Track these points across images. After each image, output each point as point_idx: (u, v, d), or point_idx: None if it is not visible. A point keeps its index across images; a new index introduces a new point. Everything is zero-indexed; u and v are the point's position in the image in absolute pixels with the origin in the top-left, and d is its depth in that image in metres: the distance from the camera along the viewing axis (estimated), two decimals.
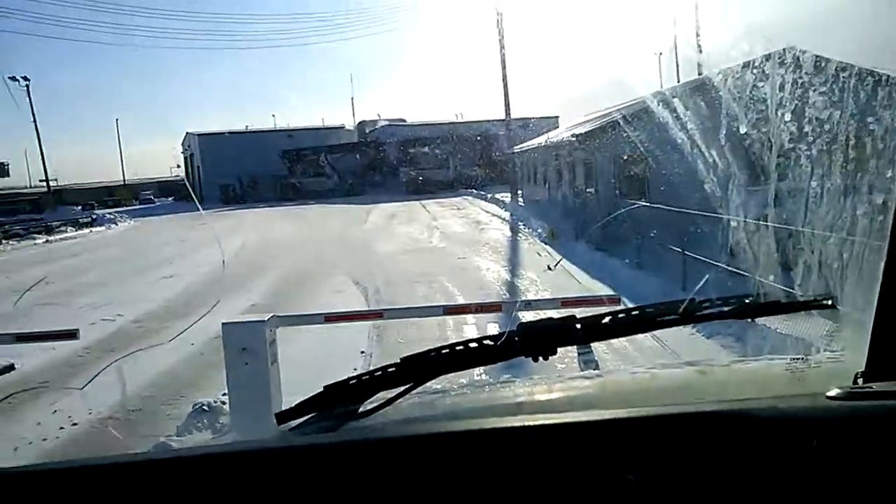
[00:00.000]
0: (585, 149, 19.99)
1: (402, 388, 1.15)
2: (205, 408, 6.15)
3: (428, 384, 1.19)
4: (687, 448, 0.87)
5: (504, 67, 35.27)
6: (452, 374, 1.21)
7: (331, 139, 59.69)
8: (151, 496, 0.88)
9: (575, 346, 1.30)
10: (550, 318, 1.18)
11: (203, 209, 46.62)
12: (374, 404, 1.16)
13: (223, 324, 6.09)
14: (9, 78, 40.08)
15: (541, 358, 1.14)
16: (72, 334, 7.33)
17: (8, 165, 35.80)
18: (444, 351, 1.15)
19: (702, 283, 1.30)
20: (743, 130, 1.44)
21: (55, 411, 6.96)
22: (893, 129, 1.12)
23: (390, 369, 1.16)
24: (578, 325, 1.15)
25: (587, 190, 19.80)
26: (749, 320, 7.64)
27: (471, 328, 8.98)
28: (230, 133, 61.06)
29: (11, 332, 7.92)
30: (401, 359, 1.16)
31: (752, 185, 1.46)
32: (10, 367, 8.64)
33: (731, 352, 6.58)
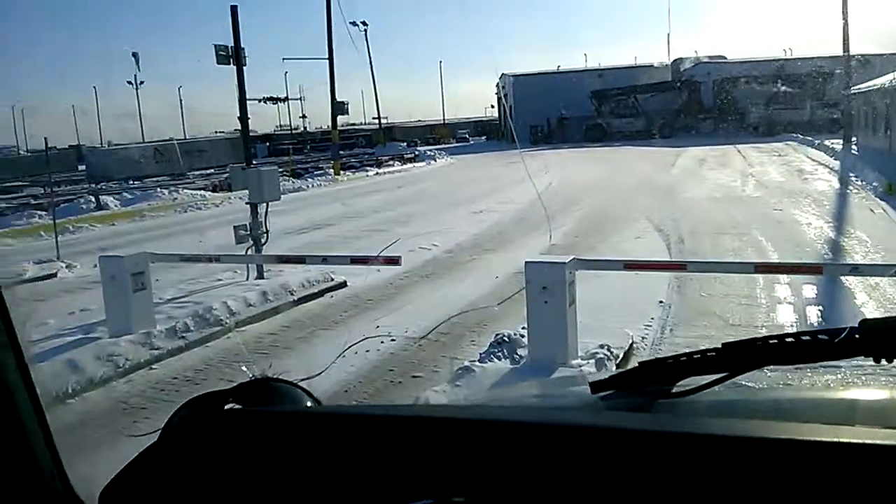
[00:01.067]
0: None
1: (718, 376, 1.09)
2: (505, 339, 6.51)
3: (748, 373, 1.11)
4: None
5: None
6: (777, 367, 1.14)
7: (642, 78, 57.67)
8: (480, 452, 0.91)
9: None
10: None
11: (513, 148, 48.41)
12: (688, 388, 1.12)
13: (526, 262, 6.38)
14: (350, 23, 44.70)
15: (884, 360, 1.00)
16: (395, 261, 8.23)
17: (347, 104, 40.06)
18: (770, 341, 1.06)
19: None
20: None
21: (378, 326, 7.88)
22: None
23: (710, 353, 1.09)
24: None
25: None
26: None
27: (784, 290, 8.30)
28: (541, 74, 61.93)
29: (347, 255, 9.11)
30: (722, 344, 1.09)
31: None
32: (343, 284, 9.96)
33: None
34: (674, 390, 1.13)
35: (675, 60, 61.60)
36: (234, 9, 11.97)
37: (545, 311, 6.06)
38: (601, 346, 6.37)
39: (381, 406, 1.33)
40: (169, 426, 1.07)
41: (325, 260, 8.83)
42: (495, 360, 6.25)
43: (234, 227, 10.45)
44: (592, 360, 6.06)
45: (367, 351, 6.85)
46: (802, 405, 1.21)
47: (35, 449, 0.92)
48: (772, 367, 1.13)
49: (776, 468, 0.79)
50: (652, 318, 7.65)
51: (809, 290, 8.08)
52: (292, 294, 9.30)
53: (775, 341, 1.06)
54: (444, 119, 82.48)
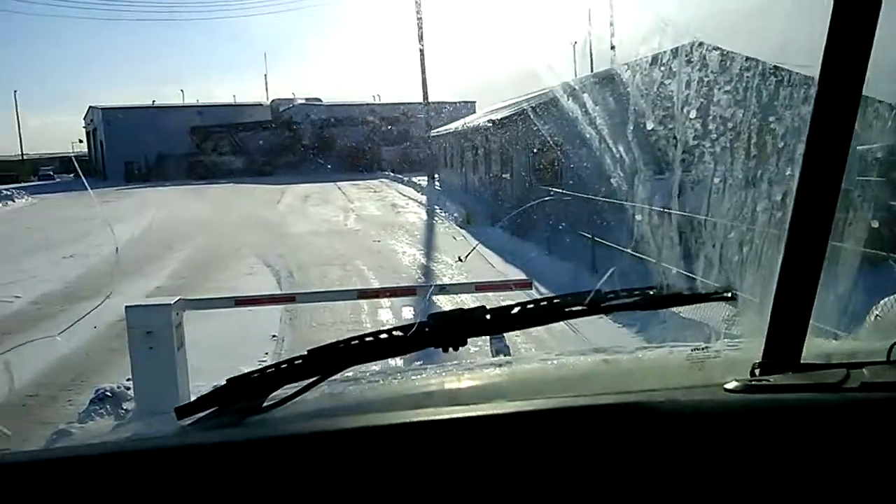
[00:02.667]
0: (501, 135, 20.22)
1: (308, 381, 1.12)
2: (108, 393, 5.92)
3: (337, 375, 1.17)
4: (587, 441, 0.89)
5: (422, 50, 35.21)
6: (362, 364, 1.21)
7: (243, 117, 58.12)
8: (41, 498, 0.84)
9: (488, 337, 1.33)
10: (461, 309, 1.18)
11: (106, 187, 44.67)
12: (280, 398, 1.13)
13: (127, 307, 5.88)
14: None
15: (451, 349, 1.14)
16: None
17: None
18: (353, 342, 1.14)
19: (608, 274, 1.34)
20: (650, 126, 1.48)
21: None
22: (793, 128, 1.18)
23: (297, 361, 1.13)
24: (488, 316, 1.16)
25: (503, 176, 20.04)
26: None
27: (385, 312, 8.97)
28: (136, 107, 58.56)
29: None
30: (308, 351, 1.14)
31: (657, 176, 1.50)
32: None
33: (641, 338, 6.80)
34: (265, 404, 1.13)
35: (273, 101, 63.31)
36: None
37: (151, 357, 5.64)
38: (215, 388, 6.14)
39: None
40: None
41: None
42: (97, 417, 5.64)
43: None
44: None
45: None
46: (392, 394, 1.32)
47: None
48: (360, 364, 1.19)
49: (361, 455, 0.87)
50: (266, 353, 7.64)
51: (408, 309, 8.87)
52: None
53: (357, 341, 1.14)
54: (22, 155, 72.77)
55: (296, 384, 1.13)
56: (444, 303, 9.21)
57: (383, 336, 1.15)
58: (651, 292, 1.28)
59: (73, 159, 60.91)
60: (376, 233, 18.02)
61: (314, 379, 1.13)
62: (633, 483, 0.86)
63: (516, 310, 1.18)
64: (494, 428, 0.89)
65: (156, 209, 23.76)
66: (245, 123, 56.72)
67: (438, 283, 10.99)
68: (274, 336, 8.26)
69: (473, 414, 0.93)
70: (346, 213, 24.09)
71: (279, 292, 10.14)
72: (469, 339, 1.14)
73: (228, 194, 34.98)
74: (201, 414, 1.12)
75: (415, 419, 0.92)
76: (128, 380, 5.93)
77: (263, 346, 7.89)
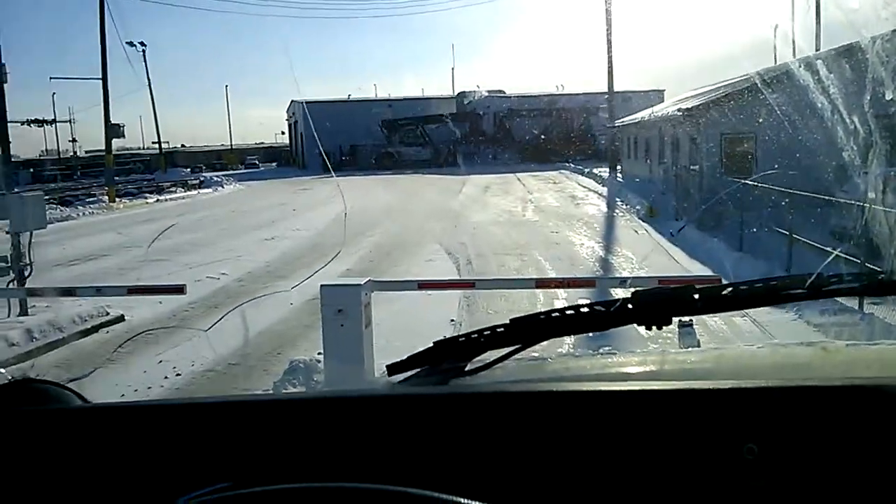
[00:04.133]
0: (691, 124, 19.35)
1: (509, 349, 1.15)
2: (300, 365, 6.36)
3: (533, 350, 1.18)
4: (813, 421, 0.84)
5: (609, 38, 34.24)
6: (556, 340, 1.20)
7: (430, 109, 59.88)
8: (258, 435, 0.91)
9: (676, 324, 1.28)
10: (668, 286, 1.15)
11: (304, 175, 47.93)
12: (482, 363, 1.16)
13: (322, 285, 6.27)
14: (126, 43, 42.05)
15: (654, 328, 1.11)
16: (179, 289, 7.75)
17: (123, 127, 37.53)
18: (553, 314, 1.14)
19: (827, 261, 1.24)
20: (867, 109, 1.36)
21: (160, 361, 7.37)
22: None
23: (499, 329, 1.15)
24: (696, 295, 1.11)
25: (690, 168, 19.18)
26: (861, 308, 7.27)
27: (562, 304, 8.91)
28: (332, 102, 62.22)
29: (123, 286, 8.45)
30: (510, 320, 1.15)
31: (865, 169, 1.37)
32: (121, 318, 9.23)
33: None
34: (468, 367, 1.17)
35: (459, 93, 64.71)
36: None
37: (341, 333, 5.99)
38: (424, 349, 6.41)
39: (153, 400, 1.26)
40: None
41: (98, 291, 8.11)
42: (290, 387, 6.08)
43: None
44: None
45: (149, 388, 6.39)
46: (584, 372, 1.32)
47: None
48: (561, 336, 1.19)
49: (560, 417, 0.88)
50: (443, 336, 7.85)
51: (585, 302, 8.74)
52: (62, 331, 8.44)
53: (558, 314, 1.14)
54: (231, 145, 79.89)
55: (497, 351, 1.15)
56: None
57: (584, 310, 1.14)
58: (880, 276, 1.18)
59: (295, 144, 65.44)
60: (555, 224, 17.92)
61: (515, 347, 1.14)
62: (865, 466, 0.81)
63: (728, 290, 1.13)
64: (708, 403, 0.87)
65: (347, 197, 25.11)
66: (431, 116, 58.39)
67: (618, 275, 10.73)
68: (452, 320, 8.47)
69: (684, 387, 0.92)
70: (524, 203, 24.16)
71: (459, 278, 10.39)
72: (671, 322, 1.11)
73: (413, 184, 36.28)
74: (410, 372, 1.18)
75: (624, 388, 0.93)
76: (319, 353, 6.33)
77: (442, 329, 8.11)
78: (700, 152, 18.75)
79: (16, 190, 12.64)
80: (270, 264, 13.46)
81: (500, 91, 62.03)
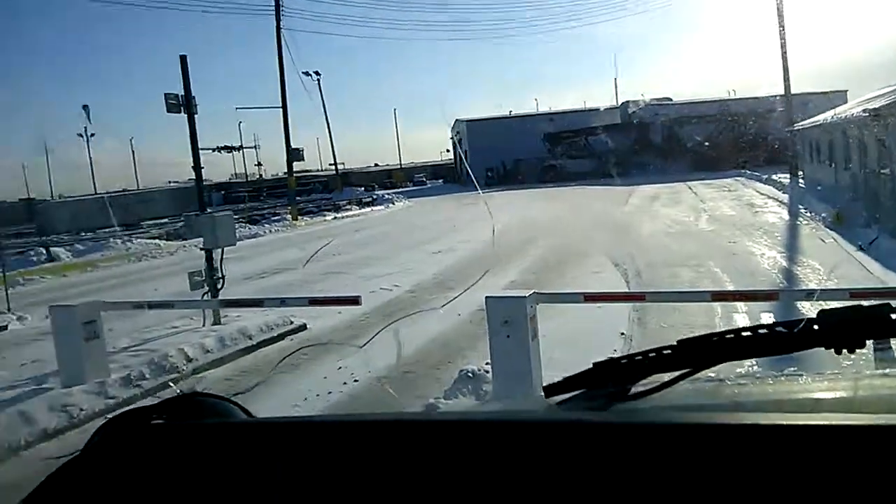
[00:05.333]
0: (880, 125, 17.70)
1: (677, 374, 1.06)
2: (470, 374, 6.46)
3: (705, 372, 1.09)
4: None
5: (783, 37, 32.20)
6: (734, 362, 1.09)
7: (592, 121, 59.06)
8: (415, 454, 0.89)
9: (871, 342, 1.09)
10: (859, 305, 1.02)
11: (468, 191, 48.79)
12: (646, 387, 1.08)
13: (487, 297, 6.36)
14: (303, 73, 44.96)
15: (845, 350, 0.99)
16: (354, 300, 8.15)
17: (302, 151, 40.16)
18: (727, 335, 1.04)
19: None
20: None
21: (339, 368, 7.75)
22: None
23: (665, 351, 1.07)
24: (894, 315, 0.97)
25: (881, 171, 17.52)
26: None
27: (742, 318, 8.41)
28: (494, 118, 63.01)
29: (305, 297, 9.00)
30: (677, 341, 1.07)
31: None
32: (303, 327, 9.82)
33: None
34: (632, 391, 1.09)
35: (623, 103, 63.33)
36: (182, 58, 11.98)
37: (508, 345, 6.03)
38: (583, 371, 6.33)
39: (317, 416, 1.27)
40: (91, 441, 1.03)
41: (282, 302, 8.69)
42: (460, 395, 6.19)
43: (189, 273, 10.28)
44: None
45: (330, 393, 6.74)
46: (766, 398, 1.19)
47: None
48: (734, 360, 1.08)
49: (741, 454, 0.78)
50: (615, 350, 7.67)
51: (767, 316, 8.20)
52: (250, 339, 9.12)
53: (732, 335, 1.04)
54: (400, 164, 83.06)
55: (663, 374, 1.08)
56: (810, 312, 8.36)
57: (763, 332, 1.03)
58: None
59: (459, 162, 67.18)
60: (731, 234, 17.00)
61: (683, 371, 1.06)
62: None
63: None
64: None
65: (511, 211, 25.29)
66: (594, 127, 57.56)
67: (804, 287, 9.98)
68: (622, 333, 8.25)
69: (875, 423, 0.79)
70: (696, 213, 23.13)
71: (628, 290, 10.12)
72: (865, 346, 0.99)
73: (577, 196, 35.85)
74: (568, 395, 1.12)
75: (801, 423, 0.82)
76: (487, 363, 6.40)
77: (612, 342, 7.93)
78: (891, 155, 17.09)
79: (208, 210, 13.83)
80: (438, 276, 13.80)
81: (667, 99, 60.02)
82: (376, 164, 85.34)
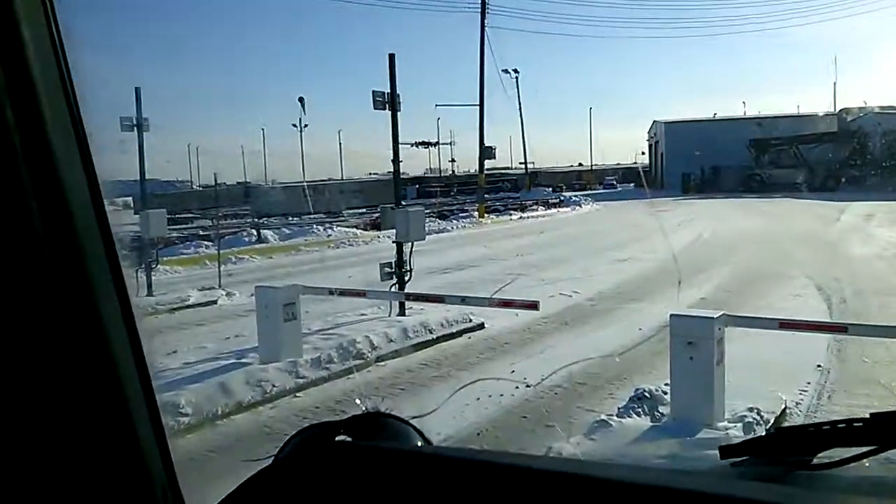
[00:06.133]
0: None
1: (865, 449, 0.99)
2: (646, 394, 6.28)
3: None
4: None
5: None
6: None
7: (806, 128, 54.66)
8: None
9: None
10: None
11: (661, 196, 47.15)
12: (831, 459, 1.02)
13: (671, 315, 6.14)
14: (502, 71, 45.67)
15: None
16: (533, 305, 8.20)
17: (495, 149, 40.82)
18: None
19: None
20: None
21: (513, 371, 7.84)
22: None
23: (856, 423, 1.00)
24: None
25: None
26: None
27: None
28: (695, 121, 60.27)
29: (485, 297, 9.17)
30: (871, 414, 1.00)
31: None
32: (481, 326, 10.02)
33: None
34: (813, 462, 1.03)
35: (841, 110, 57.94)
36: (391, 57, 12.56)
37: (690, 367, 5.79)
38: (750, 409, 5.97)
39: (494, 452, 1.27)
40: (282, 452, 1.11)
41: (463, 300, 8.92)
42: (634, 415, 6.03)
43: (381, 264, 10.85)
44: (740, 424, 5.70)
45: (502, 395, 6.83)
46: None
47: (150, 464, 0.94)
48: None
49: None
50: (808, 383, 7.13)
51: None
52: (431, 332, 9.46)
53: None
54: (591, 165, 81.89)
55: (851, 449, 1.01)
56: None
57: None
58: None
59: (641, 171, 65.50)
60: None
61: (873, 448, 0.99)
62: None
63: None
64: None
65: (707, 221, 24.11)
66: (807, 135, 53.24)
67: None
68: (819, 366, 7.63)
69: None
70: None
71: (829, 320, 9.32)
72: None
73: (782, 208, 33.45)
74: (744, 458, 1.09)
75: None
76: (665, 384, 6.19)
77: (806, 374, 7.36)
78: None
79: (403, 204, 14.46)
80: (621, 286, 13.48)
81: (892, 107, 54.17)
82: (580, 164, 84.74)
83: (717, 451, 1.12)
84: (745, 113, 64.73)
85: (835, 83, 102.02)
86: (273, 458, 1.10)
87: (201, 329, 10.66)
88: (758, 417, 5.87)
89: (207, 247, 20.88)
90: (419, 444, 1.14)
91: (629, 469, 1.20)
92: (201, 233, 25.08)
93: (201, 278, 15.35)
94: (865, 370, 7.52)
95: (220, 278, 14.30)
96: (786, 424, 6.08)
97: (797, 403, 6.58)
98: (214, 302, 13.10)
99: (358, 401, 6.72)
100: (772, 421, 5.97)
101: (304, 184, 49.67)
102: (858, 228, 24.13)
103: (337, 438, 1.11)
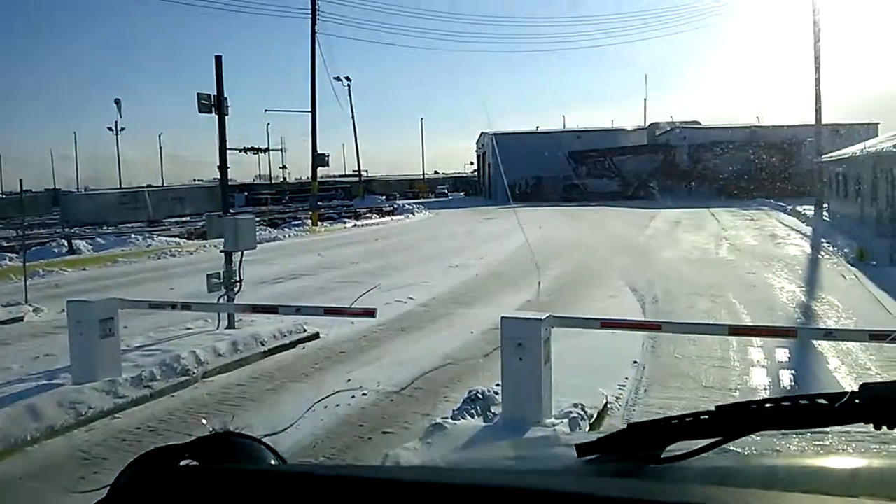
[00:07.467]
0: None
1: (711, 441, 1.05)
2: (479, 395, 6.41)
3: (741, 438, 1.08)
4: None
5: (818, 65, 31.94)
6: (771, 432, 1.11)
7: (620, 141, 58.86)
8: None
9: None
10: None
11: (489, 205, 48.81)
12: (680, 452, 1.08)
13: (502, 318, 6.31)
14: (334, 78, 45.28)
15: (885, 427, 0.97)
16: (370, 312, 8.13)
17: (328, 156, 40.39)
18: (766, 405, 1.03)
19: None
20: None
21: (349, 380, 7.75)
22: None
23: (703, 416, 1.06)
24: None
25: None
26: None
27: (757, 352, 8.31)
28: (520, 133, 62.99)
29: (320, 306, 9.01)
30: (716, 407, 1.06)
31: None
32: (316, 336, 9.83)
33: None
34: (663, 455, 1.08)
35: (651, 125, 63.12)
36: (218, 59, 12.08)
37: (520, 368, 5.98)
38: (575, 405, 6.28)
39: (349, 466, 1.23)
40: (119, 481, 1.00)
41: (298, 310, 8.70)
42: (468, 416, 6.14)
43: (208, 275, 10.32)
44: (566, 420, 5.97)
45: (338, 406, 6.72)
46: (800, 474, 1.15)
47: None
48: (770, 430, 1.09)
49: None
50: (626, 378, 7.61)
51: (782, 354, 8.10)
52: (263, 345, 9.14)
53: (771, 405, 1.03)
54: (423, 174, 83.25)
55: (698, 441, 1.07)
56: (827, 349, 8.24)
57: (803, 402, 1.02)
58: None
59: (470, 181, 67.04)
60: (751, 265, 16.83)
61: (718, 439, 1.05)
62: None
63: None
64: None
65: (531, 228, 25.22)
66: (620, 147, 57.37)
67: (821, 326, 9.85)
68: (635, 362, 8.17)
69: None
70: (718, 241, 22.93)
71: (644, 318, 10.03)
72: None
73: (599, 216, 35.73)
74: (598, 455, 1.12)
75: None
76: (497, 385, 6.36)
77: (624, 370, 7.86)
78: None
79: (231, 212, 13.92)
80: (454, 290, 13.78)
81: (695, 122, 59.67)
82: (399, 174, 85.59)
83: (572, 450, 1.14)
84: (564, 126, 68.70)
85: (645, 99, 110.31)
86: (109, 487, 0.99)
87: (7, 349, 9.65)
88: (582, 413, 6.18)
89: (12, 259, 19.00)
90: (273, 462, 1.08)
91: (482, 474, 1.19)
92: (4, 244, 22.84)
93: (5, 294, 13.91)
94: (677, 365, 8.15)
95: (26, 293, 13.04)
96: (613, 419, 6.46)
97: (617, 398, 7.00)
98: (21, 318, 11.93)
99: (204, 421, 6.33)
100: (595, 416, 6.31)
101: (121, 190, 46.59)
102: (667, 234, 26.27)
103: (181, 463, 1.02)
